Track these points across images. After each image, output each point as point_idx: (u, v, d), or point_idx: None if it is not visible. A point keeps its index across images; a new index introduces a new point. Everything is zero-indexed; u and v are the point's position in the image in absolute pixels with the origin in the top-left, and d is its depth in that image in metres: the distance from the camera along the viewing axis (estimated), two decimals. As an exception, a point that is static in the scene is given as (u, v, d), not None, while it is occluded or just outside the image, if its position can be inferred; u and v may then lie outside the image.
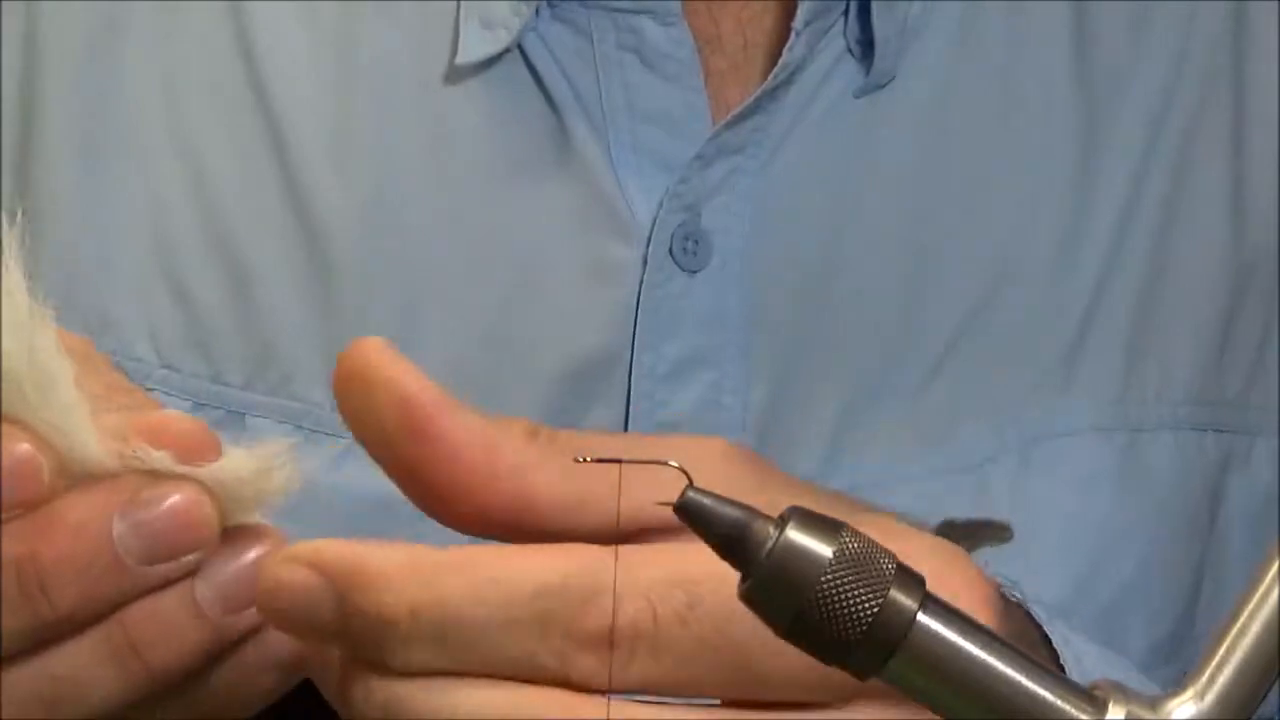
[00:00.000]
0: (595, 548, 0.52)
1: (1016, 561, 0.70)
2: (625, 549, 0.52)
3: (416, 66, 0.81)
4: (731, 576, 0.49)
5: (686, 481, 0.45)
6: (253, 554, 0.56)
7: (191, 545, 0.55)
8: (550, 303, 0.80)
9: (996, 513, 0.71)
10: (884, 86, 0.81)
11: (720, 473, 0.55)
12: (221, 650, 0.57)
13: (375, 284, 0.80)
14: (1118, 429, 0.82)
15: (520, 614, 0.51)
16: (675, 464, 0.47)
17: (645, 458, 0.50)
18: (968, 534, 0.60)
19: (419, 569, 0.52)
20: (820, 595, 0.44)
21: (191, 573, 0.56)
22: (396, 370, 0.54)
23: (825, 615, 0.44)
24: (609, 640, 0.51)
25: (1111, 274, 0.83)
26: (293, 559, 0.53)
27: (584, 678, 0.52)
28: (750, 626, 0.48)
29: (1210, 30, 0.84)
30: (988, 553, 0.64)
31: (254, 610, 0.56)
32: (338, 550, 0.53)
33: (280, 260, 0.81)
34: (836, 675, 0.46)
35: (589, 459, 0.50)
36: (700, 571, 0.52)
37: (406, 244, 0.80)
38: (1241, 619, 0.43)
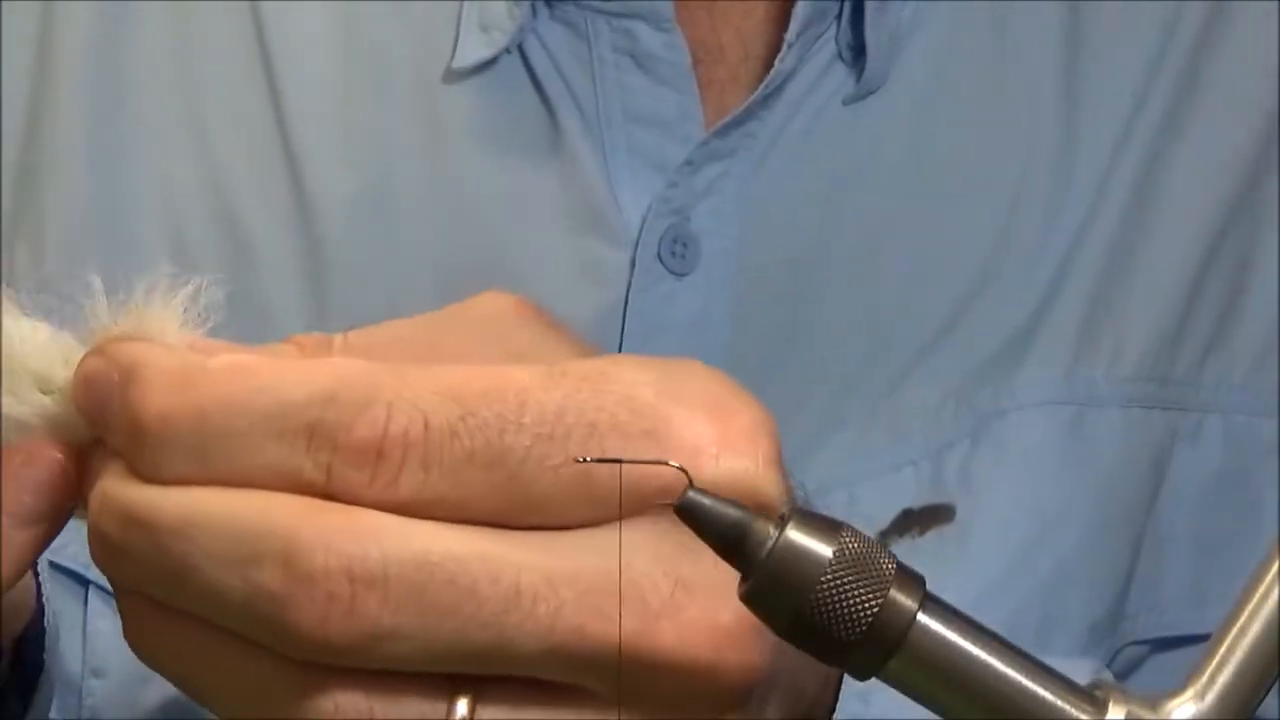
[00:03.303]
0: (372, 364, 0.50)
1: (957, 537, 0.70)
2: (399, 366, 0.50)
3: (418, 62, 0.81)
4: (509, 390, 0.49)
5: (686, 481, 0.45)
6: None
7: None
8: (539, 302, 0.80)
9: (946, 493, 0.71)
10: (873, 93, 0.81)
11: (511, 327, 0.55)
12: None
13: (366, 272, 0.81)
14: (1065, 403, 0.82)
15: (287, 424, 0.49)
16: (676, 464, 0.47)
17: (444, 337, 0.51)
18: (921, 521, 0.60)
19: (184, 374, 0.50)
20: (820, 595, 0.44)
21: None
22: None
23: (825, 615, 0.44)
24: (378, 451, 0.49)
25: (1074, 261, 0.83)
26: (107, 348, 0.51)
27: (349, 490, 0.49)
28: (523, 444, 0.48)
29: (1190, 28, 0.84)
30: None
31: None
32: (133, 347, 0.51)
33: (279, 239, 0.81)
34: (603, 495, 0.47)
35: (588, 459, 0.49)
36: (476, 386, 0.50)
37: (398, 236, 0.81)
38: (1241, 619, 0.43)
